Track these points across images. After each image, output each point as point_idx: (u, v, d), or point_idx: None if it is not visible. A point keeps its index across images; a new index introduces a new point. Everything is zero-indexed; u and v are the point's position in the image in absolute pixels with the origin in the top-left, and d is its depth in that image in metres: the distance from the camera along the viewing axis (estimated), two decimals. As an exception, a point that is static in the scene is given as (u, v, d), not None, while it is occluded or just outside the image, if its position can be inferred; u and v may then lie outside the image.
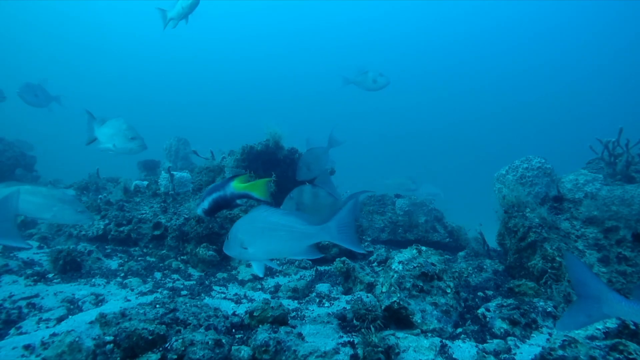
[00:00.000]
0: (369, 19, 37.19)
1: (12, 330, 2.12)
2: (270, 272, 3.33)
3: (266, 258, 2.01)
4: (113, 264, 3.33)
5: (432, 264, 2.44)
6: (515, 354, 1.99)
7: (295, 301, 2.67)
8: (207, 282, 3.05)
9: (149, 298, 2.50)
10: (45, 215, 2.55)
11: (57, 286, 2.71)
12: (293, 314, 2.37)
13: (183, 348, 1.66)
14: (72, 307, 2.43)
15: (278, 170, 4.21)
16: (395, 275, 2.40)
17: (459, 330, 2.26)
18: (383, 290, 2.38)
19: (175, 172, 4.24)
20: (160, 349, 1.70)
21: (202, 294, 2.72)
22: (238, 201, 2.21)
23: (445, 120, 35.26)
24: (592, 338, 1.96)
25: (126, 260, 3.43)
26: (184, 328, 1.93)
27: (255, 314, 2.12)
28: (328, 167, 4.14)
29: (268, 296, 2.81)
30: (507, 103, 34.20)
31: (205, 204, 2.19)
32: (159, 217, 3.77)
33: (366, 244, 4.18)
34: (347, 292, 2.82)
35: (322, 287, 2.96)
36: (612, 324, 2.01)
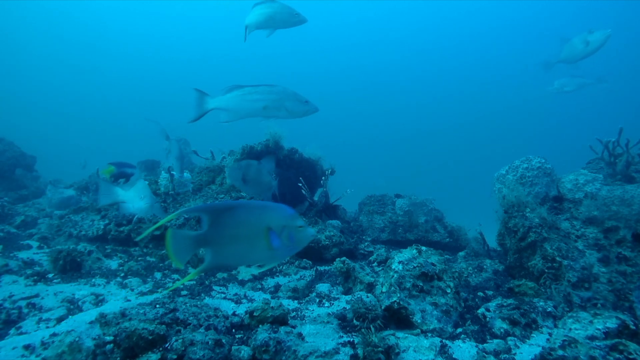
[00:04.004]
0: (369, 19, 37.21)
1: (12, 330, 2.12)
2: (270, 272, 3.33)
3: None
4: (113, 264, 3.33)
5: (432, 264, 2.44)
6: (515, 354, 1.99)
7: (295, 301, 2.67)
8: (207, 282, 3.05)
9: (149, 298, 2.50)
10: (132, 212, 2.65)
11: (57, 286, 2.71)
12: (293, 314, 2.36)
13: (183, 348, 1.66)
14: (72, 307, 2.43)
15: (278, 170, 4.21)
16: (395, 275, 2.40)
17: (459, 330, 2.26)
18: (383, 290, 2.38)
19: (175, 172, 4.24)
20: (160, 349, 1.70)
21: (202, 294, 2.72)
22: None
23: (446, 120, 35.28)
24: (592, 338, 1.96)
25: (126, 260, 3.43)
26: (184, 328, 1.93)
27: (255, 313, 2.12)
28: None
29: (268, 296, 2.81)
30: (507, 103, 34.21)
31: None
32: (159, 217, 3.77)
33: (366, 244, 4.18)
34: (347, 292, 2.82)
35: (322, 287, 2.96)
36: (612, 324, 2.01)
